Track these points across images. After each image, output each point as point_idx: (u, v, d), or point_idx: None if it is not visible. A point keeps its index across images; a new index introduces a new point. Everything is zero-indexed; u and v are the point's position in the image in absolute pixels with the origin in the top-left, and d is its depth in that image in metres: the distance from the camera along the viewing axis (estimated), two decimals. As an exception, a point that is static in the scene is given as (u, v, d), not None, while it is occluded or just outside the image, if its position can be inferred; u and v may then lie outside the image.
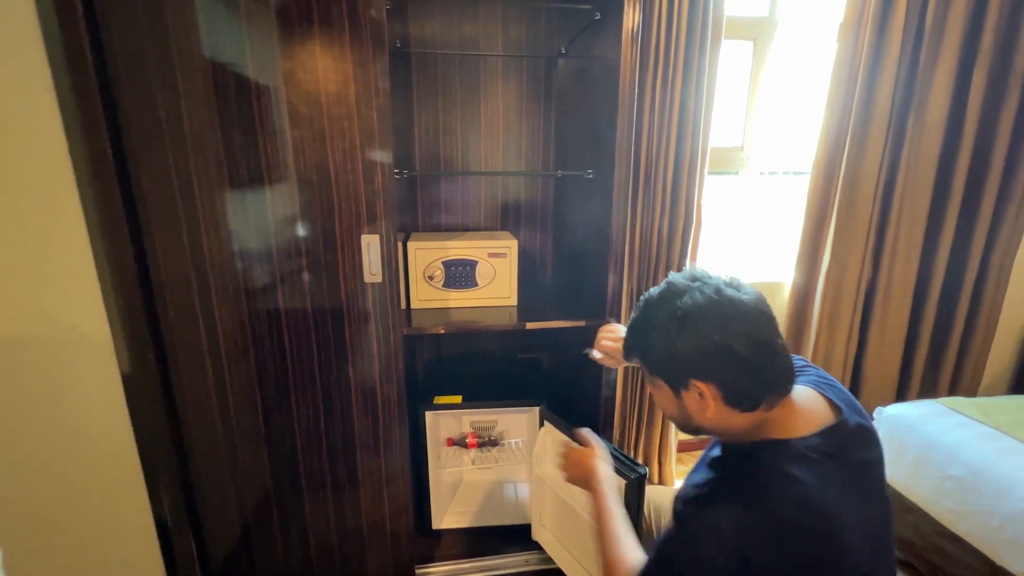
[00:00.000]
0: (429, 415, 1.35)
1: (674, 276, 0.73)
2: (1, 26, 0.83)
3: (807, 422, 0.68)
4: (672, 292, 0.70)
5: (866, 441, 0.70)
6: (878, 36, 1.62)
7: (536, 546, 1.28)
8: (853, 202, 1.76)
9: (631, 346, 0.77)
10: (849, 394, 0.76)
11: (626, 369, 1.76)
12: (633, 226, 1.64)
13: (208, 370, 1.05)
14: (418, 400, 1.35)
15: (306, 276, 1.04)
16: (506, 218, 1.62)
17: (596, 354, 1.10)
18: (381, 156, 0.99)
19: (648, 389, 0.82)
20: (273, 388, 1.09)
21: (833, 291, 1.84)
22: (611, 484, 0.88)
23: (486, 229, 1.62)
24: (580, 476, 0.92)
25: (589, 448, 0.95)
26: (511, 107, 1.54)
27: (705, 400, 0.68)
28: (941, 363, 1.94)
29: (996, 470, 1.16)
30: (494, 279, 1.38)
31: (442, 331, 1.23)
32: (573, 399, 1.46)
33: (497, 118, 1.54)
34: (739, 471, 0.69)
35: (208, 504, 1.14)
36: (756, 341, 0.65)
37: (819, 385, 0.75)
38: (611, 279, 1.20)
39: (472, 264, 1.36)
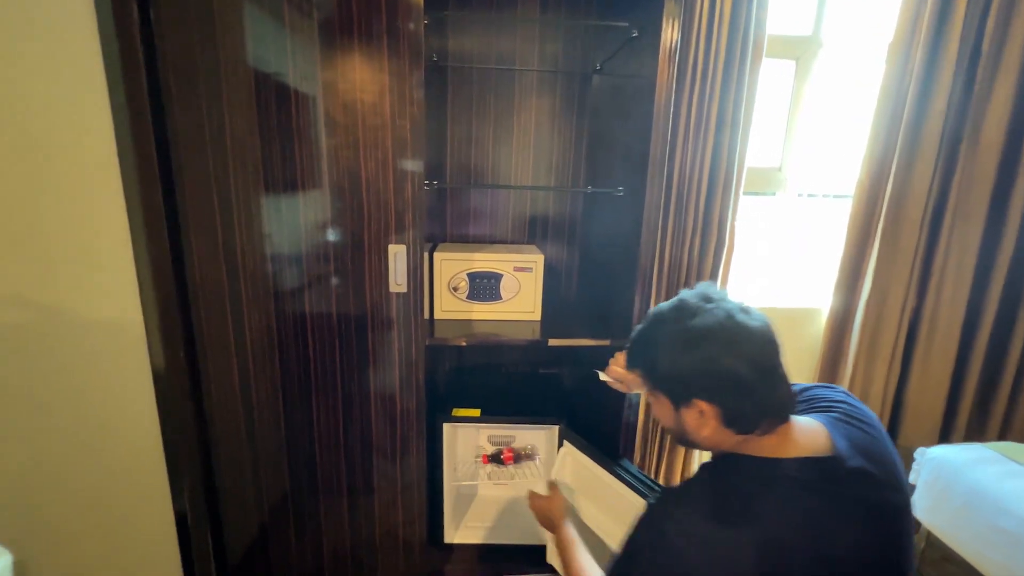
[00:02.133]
0: (447, 427, 1.35)
1: (686, 293, 0.73)
2: (61, 35, 0.88)
3: (795, 449, 0.67)
4: (684, 310, 0.70)
5: (871, 484, 0.66)
6: (930, 55, 1.55)
7: (551, 569, 1.25)
8: (898, 227, 1.68)
9: (635, 357, 0.78)
10: (873, 440, 0.70)
11: (650, 390, 1.71)
12: (663, 245, 1.60)
13: (235, 371, 1.07)
14: (437, 410, 1.35)
15: (333, 282, 1.05)
16: (533, 231, 1.62)
17: (606, 377, 1.08)
18: (412, 167, 1.00)
19: (647, 398, 0.83)
20: (296, 391, 1.11)
21: (873, 319, 1.75)
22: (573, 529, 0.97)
23: (513, 242, 1.62)
24: (543, 518, 1.05)
25: (556, 496, 1.06)
26: (543, 122, 1.54)
27: (704, 418, 0.69)
28: (991, 403, 1.81)
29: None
30: (519, 293, 1.37)
31: (464, 343, 1.23)
32: (594, 418, 1.42)
33: (529, 132, 1.54)
34: (714, 480, 0.71)
35: (228, 502, 1.16)
36: (761, 368, 0.65)
37: (834, 423, 0.71)
38: (638, 299, 1.17)
39: (497, 277, 1.36)
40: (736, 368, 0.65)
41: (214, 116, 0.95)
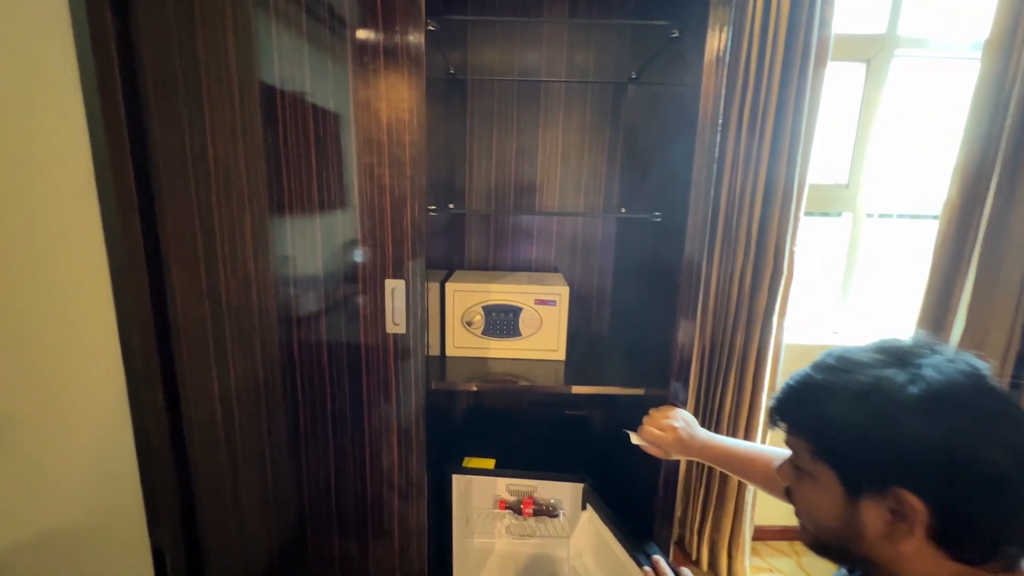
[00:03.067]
0: (458, 479, 1.20)
1: (884, 340, 0.52)
2: (40, 61, 0.82)
3: None
4: (894, 352, 0.49)
5: None
6: (1039, 52, 1.30)
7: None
8: (999, 254, 1.41)
9: (786, 410, 0.55)
10: None
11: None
12: (708, 276, 1.40)
13: (219, 417, 0.97)
14: (447, 458, 1.20)
15: (324, 322, 0.93)
16: (560, 259, 1.46)
17: (639, 440, 0.90)
18: (412, 192, 0.87)
19: (784, 478, 0.58)
20: (284, 441, 0.99)
21: (968, 365, 1.47)
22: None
23: (537, 270, 1.47)
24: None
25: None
26: (572, 138, 1.39)
27: (904, 524, 0.45)
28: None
29: None
30: (540, 329, 1.22)
31: (475, 388, 1.08)
32: (626, 471, 1.23)
33: (556, 150, 1.40)
34: None
35: (211, 558, 1.05)
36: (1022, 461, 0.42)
37: None
38: (679, 341, 0.99)
39: (516, 311, 1.21)
40: (988, 455, 0.42)
41: (196, 140, 0.86)
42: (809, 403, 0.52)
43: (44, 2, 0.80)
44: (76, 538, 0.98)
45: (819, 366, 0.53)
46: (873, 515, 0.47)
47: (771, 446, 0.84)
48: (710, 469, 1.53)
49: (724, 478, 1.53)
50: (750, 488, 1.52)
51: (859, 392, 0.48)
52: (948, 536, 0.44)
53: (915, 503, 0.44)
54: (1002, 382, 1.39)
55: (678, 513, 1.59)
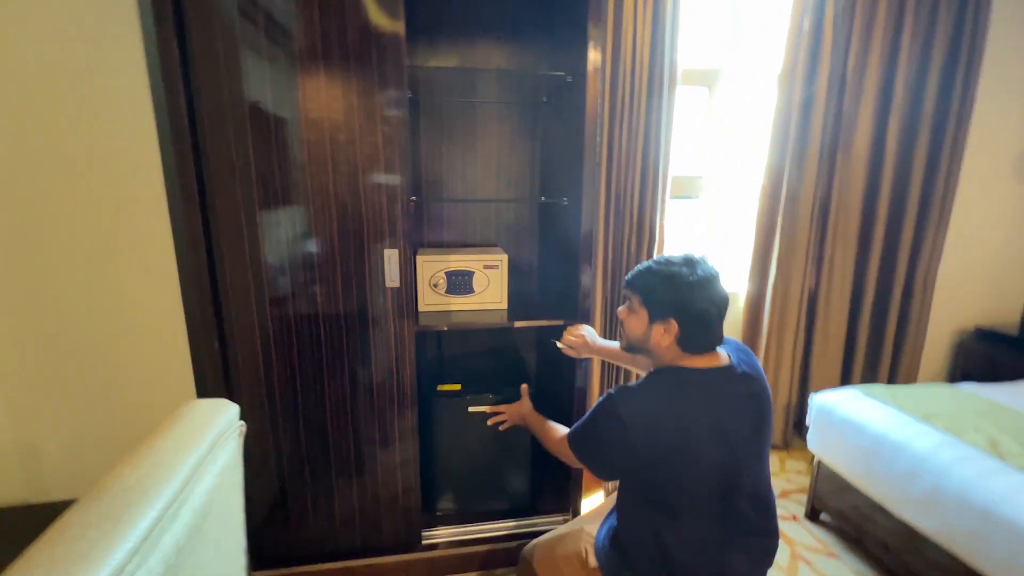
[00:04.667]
0: (436, 398, 1.61)
1: (690, 254, 1.03)
2: (118, 86, 1.12)
3: (711, 364, 1.00)
4: (690, 263, 0.99)
5: (751, 381, 1.00)
6: (807, 84, 1.95)
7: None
8: (794, 223, 2.07)
9: (638, 283, 1.03)
10: (751, 357, 1.06)
11: (603, 365, 2.03)
12: (606, 244, 1.93)
13: (259, 357, 1.31)
14: (423, 383, 1.61)
15: (339, 281, 1.31)
16: (499, 235, 1.91)
17: (562, 344, 1.39)
18: (400, 184, 1.27)
19: (622, 314, 1.09)
20: (310, 373, 1.35)
21: (780, 300, 2.13)
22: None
23: (481, 245, 1.90)
24: (516, 416, 1.40)
25: (524, 399, 1.41)
26: (504, 144, 1.84)
27: (667, 334, 0.98)
28: (878, 363, 2.23)
29: (892, 438, 1.44)
30: (488, 287, 1.66)
31: (445, 328, 1.50)
32: (556, 390, 1.72)
33: (491, 153, 1.84)
34: (660, 378, 1.00)
35: (251, 469, 1.38)
36: (720, 315, 0.97)
37: (733, 350, 1.06)
38: (581, 287, 1.48)
39: (469, 274, 1.64)
40: (708, 309, 0.96)
41: (240, 150, 1.20)
42: (645, 278, 1.03)
43: (122, 39, 1.09)
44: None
45: (652, 261, 1.05)
46: (657, 331, 1.00)
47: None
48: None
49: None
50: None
51: (669, 274, 0.99)
52: (683, 340, 0.98)
53: (674, 326, 0.98)
54: (802, 309, 2.03)
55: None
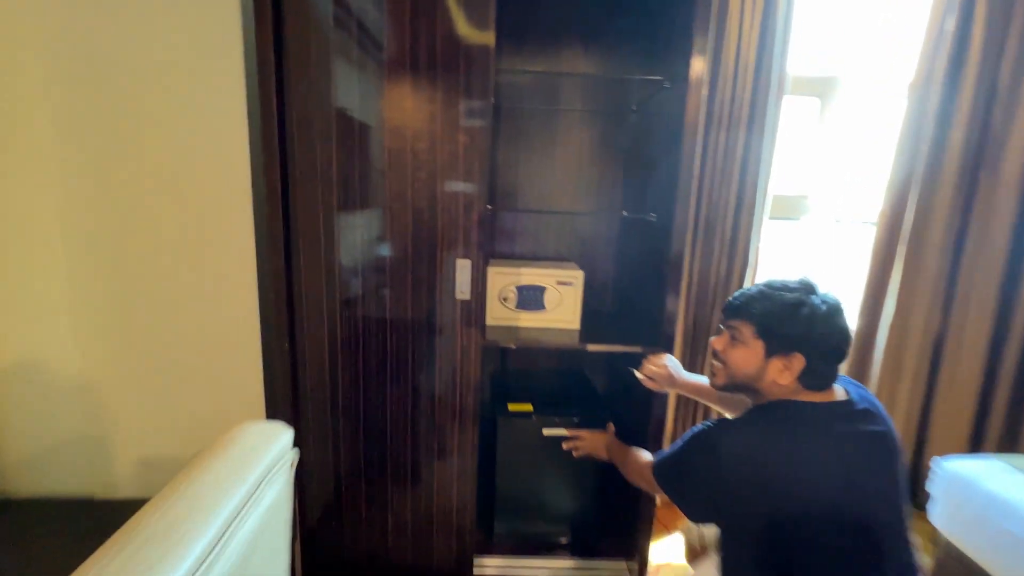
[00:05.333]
0: (503, 420, 1.53)
1: (804, 279, 0.91)
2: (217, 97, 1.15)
3: (825, 397, 0.88)
4: (809, 289, 0.88)
5: (872, 419, 0.86)
6: (947, 93, 1.68)
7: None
8: (919, 252, 1.78)
9: (752, 311, 0.90)
10: (868, 393, 0.92)
11: (677, 397, 1.85)
12: (691, 265, 1.76)
13: (326, 360, 1.30)
14: (489, 400, 1.54)
15: (409, 291, 1.27)
16: (573, 250, 1.81)
17: (641, 376, 1.25)
18: (477, 193, 1.22)
19: (719, 345, 0.96)
20: (374, 380, 1.32)
21: (897, 340, 1.84)
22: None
23: (555, 259, 1.81)
24: (594, 445, 1.34)
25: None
26: (584, 153, 1.74)
27: (788, 370, 0.86)
28: (1021, 427, 1.85)
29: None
30: (560, 304, 1.56)
31: (513, 346, 1.42)
32: (630, 419, 1.58)
33: (571, 162, 1.75)
34: (767, 414, 0.88)
35: (310, 472, 1.37)
36: (847, 349, 0.87)
37: (850, 386, 0.93)
38: (666, 312, 1.34)
39: (541, 290, 1.55)
40: (840, 344, 0.85)
41: (324, 155, 1.20)
42: (762, 305, 0.90)
43: (221, 47, 1.13)
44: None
45: (765, 286, 0.92)
46: (776, 367, 0.88)
47: None
48: (694, 418, 1.88)
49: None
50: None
51: (794, 302, 0.87)
52: (806, 376, 0.86)
53: (799, 360, 0.85)
54: (924, 351, 1.74)
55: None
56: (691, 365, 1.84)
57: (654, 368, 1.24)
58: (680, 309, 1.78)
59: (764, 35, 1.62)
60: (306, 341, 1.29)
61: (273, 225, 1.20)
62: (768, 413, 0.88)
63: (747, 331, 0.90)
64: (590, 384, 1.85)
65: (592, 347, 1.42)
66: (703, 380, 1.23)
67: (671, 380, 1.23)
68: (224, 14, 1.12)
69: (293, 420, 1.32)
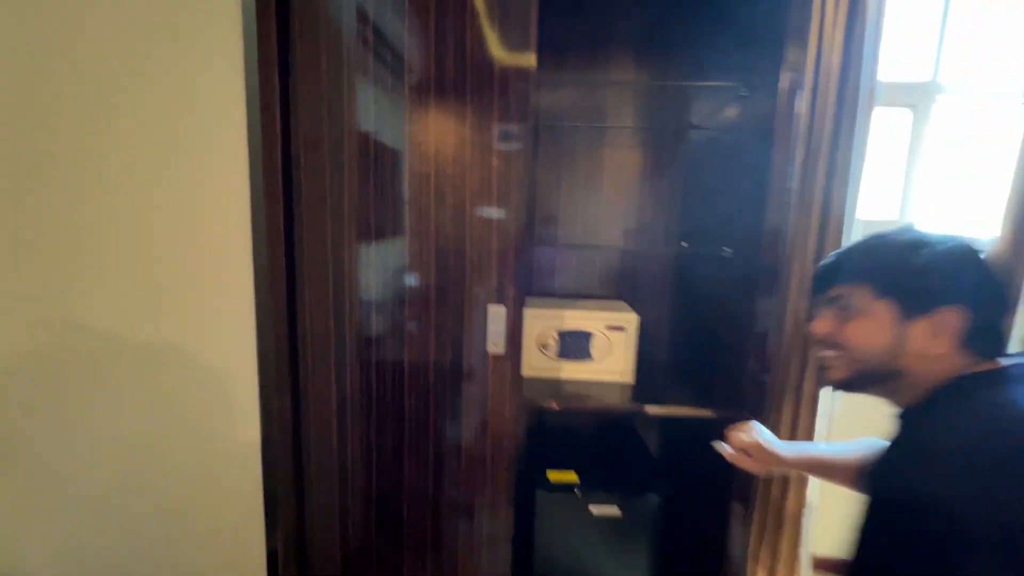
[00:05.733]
0: (541, 494, 1.27)
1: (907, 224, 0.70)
2: (216, 117, 1.00)
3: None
4: (917, 231, 0.67)
5: None
6: (1086, 100, 1.37)
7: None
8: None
9: (847, 270, 0.69)
10: None
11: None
12: (783, 310, 1.48)
13: (334, 421, 1.10)
14: (524, 467, 1.29)
15: (432, 341, 1.06)
16: (622, 288, 1.57)
17: (727, 449, 0.97)
18: (516, 230, 1.00)
19: (826, 328, 0.70)
20: (389, 444, 1.11)
21: None
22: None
23: (600, 297, 1.57)
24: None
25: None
26: (635, 177, 1.52)
27: (941, 334, 0.62)
28: None
29: None
30: (610, 353, 1.32)
31: (554, 406, 1.18)
32: (695, 491, 1.30)
33: (619, 188, 1.53)
34: (956, 409, 0.61)
35: (316, 549, 1.16)
36: (1007, 295, 0.66)
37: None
38: (750, 368, 1.07)
39: (587, 336, 1.31)
40: (1000, 290, 0.62)
41: (335, 182, 1.02)
42: (868, 256, 0.68)
43: (224, 63, 0.98)
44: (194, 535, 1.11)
45: (863, 238, 0.69)
46: (918, 331, 0.63)
47: (843, 443, 0.91)
48: (765, 492, 1.57)
49: (781, 502, 1.57)
50: (807, 514, 1.55)
51: (913, 243, 0.64)
52: (973, 338, 0.61)
53: (953, 316, 0.61)
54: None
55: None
56: (782, 429, 1.54)
57: (746, 438, 0.95)
58: (772, 366, 1.50)
59: (850, 36, 1.38)
60: (310, 400, 1.09)
61: (275, 261, 1.02)
62: (981, 405, 0.59)
63: (862, 294, 0.67)
64: (642, 443, 1.57)
65: (652, 409, 1.16)
66: (809, 447, 0.94)
67: (772, 455, 0.94)
68: (226, 19, 0.97)
69: (295, 492, 1.11)
